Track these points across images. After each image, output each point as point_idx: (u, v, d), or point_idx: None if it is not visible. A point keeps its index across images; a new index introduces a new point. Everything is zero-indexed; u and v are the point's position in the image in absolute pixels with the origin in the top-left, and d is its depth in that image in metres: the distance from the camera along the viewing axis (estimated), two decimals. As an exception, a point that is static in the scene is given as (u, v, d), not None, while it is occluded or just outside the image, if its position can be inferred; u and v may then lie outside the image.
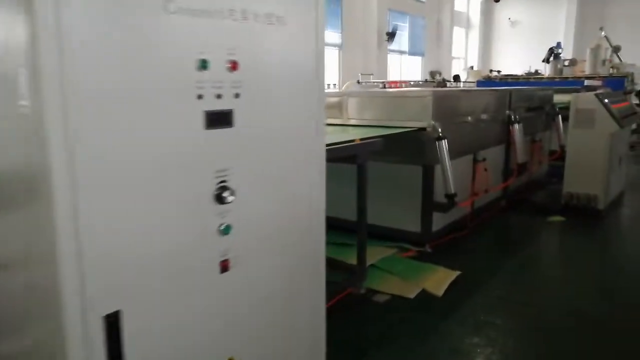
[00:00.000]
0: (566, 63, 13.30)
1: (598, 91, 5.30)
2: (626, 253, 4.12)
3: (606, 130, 4.73)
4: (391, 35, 15.15)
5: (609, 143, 4.75)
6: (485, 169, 4.53)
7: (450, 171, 3.76)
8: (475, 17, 21.71)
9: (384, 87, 10.68)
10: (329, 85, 12.53)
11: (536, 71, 14.66)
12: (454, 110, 4.13)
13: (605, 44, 13.45)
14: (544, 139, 6.22)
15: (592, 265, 3.83)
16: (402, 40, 17.36)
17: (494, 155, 5.00)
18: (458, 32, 21.13)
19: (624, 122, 4.81)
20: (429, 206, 3.90)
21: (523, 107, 5.62)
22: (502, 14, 21.38)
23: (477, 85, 11.61)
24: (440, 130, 3.74)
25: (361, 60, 14.99)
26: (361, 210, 3.11)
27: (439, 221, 4.02)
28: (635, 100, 10.97)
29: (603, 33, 13.58)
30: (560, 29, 19.54)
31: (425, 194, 3.89)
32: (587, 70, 12.69)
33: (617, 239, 4.46)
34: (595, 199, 4.85)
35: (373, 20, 15.02)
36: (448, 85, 11.12)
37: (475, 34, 21.79)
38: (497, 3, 21.38)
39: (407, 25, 17.46)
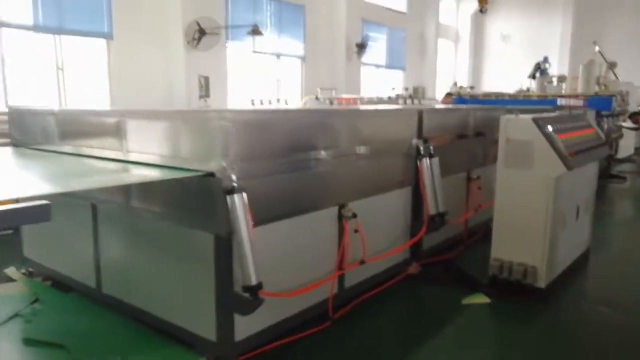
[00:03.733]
0: (554, 80, 11.82)
1: (544, 114, 3.76)
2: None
3: (548, 173, 3.17)
4: (361, 47, 13.68)
5: (552, 191, 3.18)
6: (357, 230, 2.97)
7: (250, 246, 2.22)
8: (465, 31, 20.25)
9: (331, 104, 9.20)
10: (278, 100, 11.08)
11: (528, 89, 13.20)
12: (286, 142, 2.59)
13: (600, 60, 11.99)
14: (486, 176, 4.67)
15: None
16: (379, 52, 15.92)
17: (391, 203, 3.47)
18: (446, 46, 19.69)
19: (576, 161, 3.24)
20: (226, 302, 2.35)
21: (450, 133, 4.10)
22: (493, 28, 19.90)
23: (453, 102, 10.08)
24: (235, 177, 2.21)
25: (328, 74, 13.53)
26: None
27: (256, 321, 2.46)
28: (628, 124, 9.39)
29: (597, 48, 12.13)
30: (554, 44, 18.01)
31: (221, 281, 2.34)
32: (580, 88, 11.25)
33: (558, 345, 2.87)
34: (533, 272, 3.27)
35: (341, 30, 13.58)
36: (405, 103, 9.57)
37: (465, 49, 20.32)
38: (489, 17, 19.96)
39: (384, 37, 16.02)
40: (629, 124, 9.18)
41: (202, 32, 9.59)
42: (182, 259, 2.50)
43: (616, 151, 8.63)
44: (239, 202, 2.19)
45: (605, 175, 8.40)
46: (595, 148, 3.70)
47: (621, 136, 8.60)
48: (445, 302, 3.35)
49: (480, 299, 3.33)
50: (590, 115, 7.78)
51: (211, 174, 2.25)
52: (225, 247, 2.29)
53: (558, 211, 3.28)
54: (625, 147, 10.16)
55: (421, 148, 3.56)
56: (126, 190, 2.58)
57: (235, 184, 2.20)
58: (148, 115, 2.68)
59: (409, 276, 3.67)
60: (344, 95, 10.39)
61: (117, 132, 2.71)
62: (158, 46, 9.49)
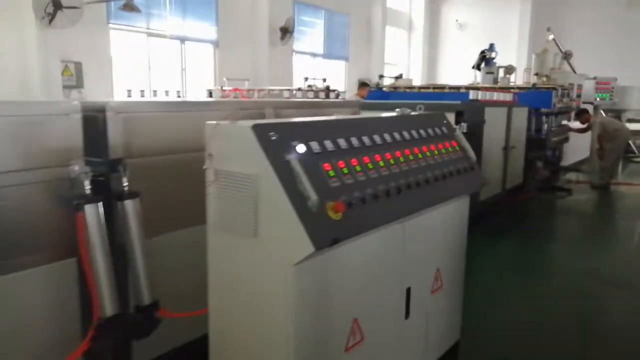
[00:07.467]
0: (500, 70, 10.23)
1: (282, 120, 2.02)
2: None
3: (283, 253, 1.40)
4: (285, 32, 11.80)
5: (291, 291, 1.41)
6: None
7: None
8: (419, 18, 18.52)
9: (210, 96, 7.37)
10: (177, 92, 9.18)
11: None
12: None
13: (554, 49, 10.44)
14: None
15: None
16: (316, 39, 14.12)
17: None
18: (399, 35, 17.96)
19: (349, 224, 1.49)
20: None
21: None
22: (449, 15, 18.21)
23: (367, 98, 8.33)
24: None
25: (249, 62, 11.68)
26: None
27: None
28: (575, 124, 7.76)
29: (551, 36, 10.57)
30: (513, 34, 16.45)
31: None
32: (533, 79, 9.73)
33: None
34: None
35: (263, 13, 11.71)
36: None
37: (419, 38, 18.59)
38: (444, 4, 18.32)
39: (322, 22, 14.21)
40: (577, 125, 7.53)
41: (57, 6, 7.63)
42: None
43: (560, 157, 6.97)
44: None
45: (548, 188, 6.81)
46: (445, 179, 1.95)
47: (566, 140, 6.95)
48: None
49: None
50: (522, 113, 6.15)
51: None
52: None
53: (328, 324, 1.53)
54: (577, 151, 8.54)
55: (86, 182, 1.77)
56: None
57: None
58: None
59: None
60: (237, 86, 8.53)
61: None
62: (5, 24, 7.51)
